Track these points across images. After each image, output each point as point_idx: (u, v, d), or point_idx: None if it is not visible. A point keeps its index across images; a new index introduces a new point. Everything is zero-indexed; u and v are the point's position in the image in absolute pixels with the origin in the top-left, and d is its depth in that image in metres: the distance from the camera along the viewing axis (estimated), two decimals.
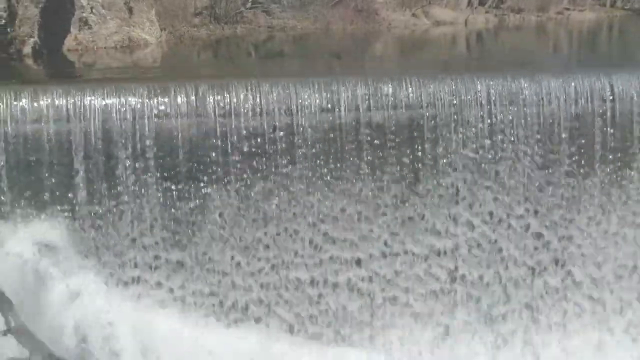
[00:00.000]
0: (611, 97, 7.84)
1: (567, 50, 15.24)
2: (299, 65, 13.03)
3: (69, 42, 12.63)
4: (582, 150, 7.92)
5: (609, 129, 7.86)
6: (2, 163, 6.70)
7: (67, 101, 6.78)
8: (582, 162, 7.92)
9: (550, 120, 7.78)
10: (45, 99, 6.76)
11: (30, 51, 11.20)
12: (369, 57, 14.14)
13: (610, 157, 7.93)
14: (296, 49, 16.27)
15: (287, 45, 16.53)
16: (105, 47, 12.93)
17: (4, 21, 10.90)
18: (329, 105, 7.31)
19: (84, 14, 12.93)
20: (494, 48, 16.86)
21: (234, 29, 16.64)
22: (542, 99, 7.71)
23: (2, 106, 6.71)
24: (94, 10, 13.11)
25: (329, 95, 7.31)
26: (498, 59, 13.83)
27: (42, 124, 6.80)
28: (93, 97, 6.81)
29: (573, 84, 7.78)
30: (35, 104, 6.79)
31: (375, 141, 7.40)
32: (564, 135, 7.84)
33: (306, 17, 17.12)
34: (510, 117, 7.69)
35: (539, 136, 7.78)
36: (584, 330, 8.26)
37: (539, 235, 7.96)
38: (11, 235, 6.78)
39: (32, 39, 11.29)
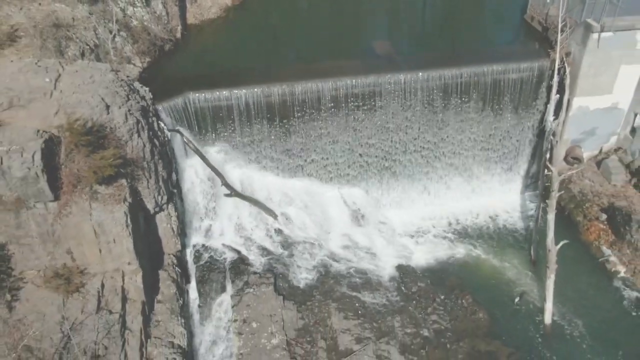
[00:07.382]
0: (460, 78, 17.79)
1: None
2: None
3: (189, 18, 21.85)
4: (446, 101, 18.07)
5: (459, 92, 17.94)
6: (208, 119, 17.05)
7: (230, 92, 16.94)
8: (445, 106, 18.15)
9: (430, 88, 17.82)
10: (220, 92, 16.91)
11: (180, 36, 20.56)
12: None
13: (460, 103, 18.13)
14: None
15: None
16: (209, 19, 22.00)
17: (165, 20, 20.31)
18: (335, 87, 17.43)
19: None
20: None
21: None
22: (427, 78, 17.68)
23: (200, 96, 16.83)
24: None
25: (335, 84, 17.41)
26: None
27: (220, 102, 17.03)
28: (237, 90, 16.95)
29: (444, 73, 17.72)
30: (218, 93, 16.95)
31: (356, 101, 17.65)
32: (440, 94, 17.96)
33: None
34: (411, 88, 17.75)
35: (426, 94, 17.91)
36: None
37: (414, 138, 18.61)
38: (211, 147, 17.44)
39: (179, 27, 20.66)
